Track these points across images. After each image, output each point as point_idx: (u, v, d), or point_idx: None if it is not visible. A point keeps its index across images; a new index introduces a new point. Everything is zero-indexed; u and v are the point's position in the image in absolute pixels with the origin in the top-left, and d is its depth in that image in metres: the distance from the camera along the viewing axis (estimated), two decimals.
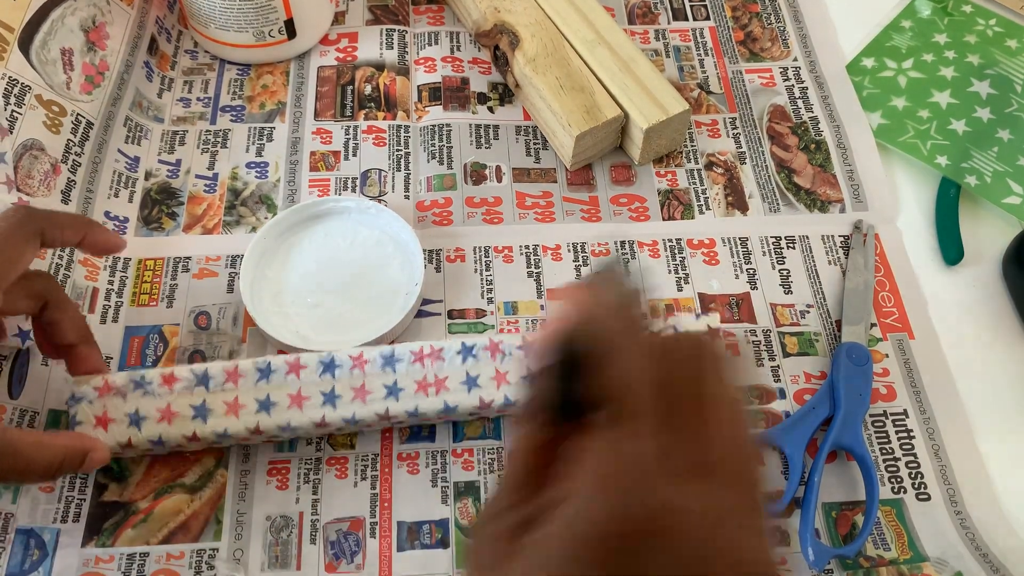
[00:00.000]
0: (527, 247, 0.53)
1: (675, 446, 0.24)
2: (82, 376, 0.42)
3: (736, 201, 0.55)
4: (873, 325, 0.50)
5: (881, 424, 0.47)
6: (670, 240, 0.53)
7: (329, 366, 0.43)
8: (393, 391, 0.43)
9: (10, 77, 0.48)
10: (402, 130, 0.57)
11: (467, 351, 0.44)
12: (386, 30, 0.62)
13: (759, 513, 0.25)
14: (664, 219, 0.54)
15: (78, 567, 0.41)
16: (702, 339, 0.27)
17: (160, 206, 0.53)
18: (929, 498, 0.45)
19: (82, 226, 0.42)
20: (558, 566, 0.22)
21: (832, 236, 0.54)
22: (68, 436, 0.40)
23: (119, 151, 0.54)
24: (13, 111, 0.47)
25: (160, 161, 0.55)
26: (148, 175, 0.55)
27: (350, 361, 0.43)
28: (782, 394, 0.48)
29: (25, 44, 0.49)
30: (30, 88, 0.49)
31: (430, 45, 0.61)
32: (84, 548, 0.42)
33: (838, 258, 0.53)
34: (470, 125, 0.57)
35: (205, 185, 0.54)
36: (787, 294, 0.52)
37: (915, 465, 0.46)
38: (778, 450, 0.46)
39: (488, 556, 0.25)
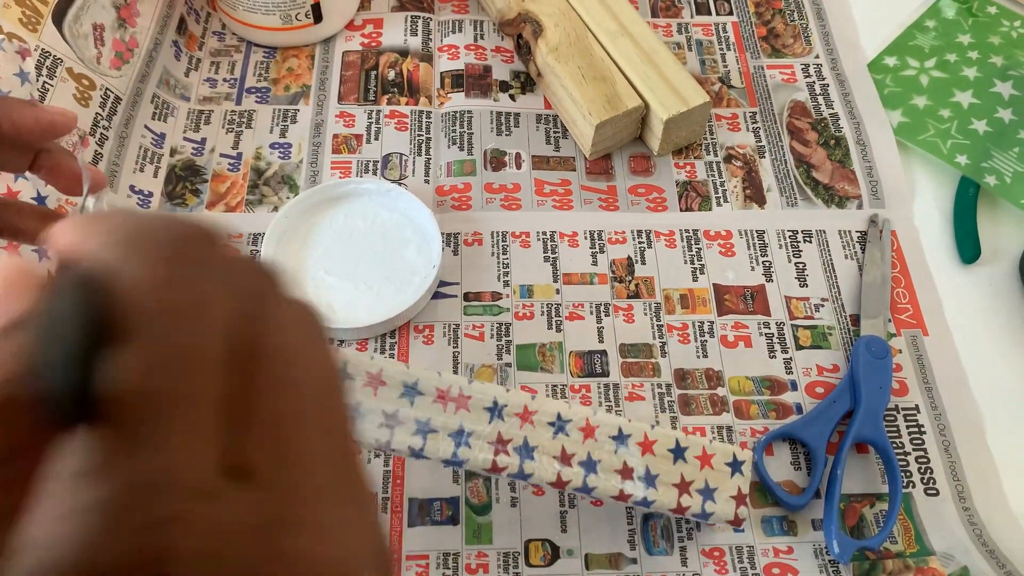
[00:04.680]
0: (544, 233, 0.53)
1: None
2: None
3: (754, 194, 0.55)
4: (888, 321, 0.51)
5: (893, 419, 0.47)
6: (687, 231, 0.54)
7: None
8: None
9: (43, 49, 0.49)
10: (424, 116, 0.58)
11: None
12: (411, 17, 0.62)
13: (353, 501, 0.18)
14: (682, 210, 0.55)
15: None
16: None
17: (184, 183, 0.54)
18: (938, 493, 0.45)
19: None
20: None
21: (849, 231, 0.54)
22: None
23: (146, 127, 0.55)
24: (45, 82, 0.48)
25: (185, 139, 0.56)
26: (173, 152, 0.55)
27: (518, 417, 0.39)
28: (793, 386, 0.48)
29: (58, 18, 0.50)
30: (62, 61, 0.50)
31: (454, 33, 0.62)
32: None
33: (854, 253, 0.53)
34: (491, 112, 0.58)
35: (229, 164, 0.55)
36: (802, 287, 0.52)
37: (925, 460, 0.46)
38: (800, 443, 0.46)
39: None
